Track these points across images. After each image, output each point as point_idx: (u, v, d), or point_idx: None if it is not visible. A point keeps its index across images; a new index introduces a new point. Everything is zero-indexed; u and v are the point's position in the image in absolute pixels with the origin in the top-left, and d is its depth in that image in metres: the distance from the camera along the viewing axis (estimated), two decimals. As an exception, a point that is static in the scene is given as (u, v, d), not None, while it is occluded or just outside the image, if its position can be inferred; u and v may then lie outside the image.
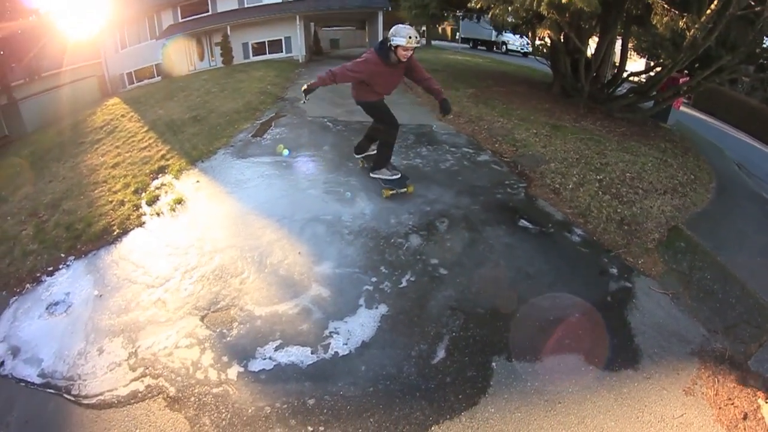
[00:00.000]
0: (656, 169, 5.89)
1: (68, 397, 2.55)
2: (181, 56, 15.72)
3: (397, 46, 3.74)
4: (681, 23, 6.22)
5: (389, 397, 2.33)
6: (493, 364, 2.56)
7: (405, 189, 4.34)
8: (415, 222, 3.74)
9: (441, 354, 2.59)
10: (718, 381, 2.89)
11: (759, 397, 2.86)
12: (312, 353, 2.58)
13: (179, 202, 4.39)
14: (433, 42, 24.87)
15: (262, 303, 2.95)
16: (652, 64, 10.77)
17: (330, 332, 2.70)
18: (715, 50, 7.81)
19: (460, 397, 2.37)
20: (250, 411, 2.26)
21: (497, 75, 12.42)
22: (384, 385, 2.39)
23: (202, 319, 2.88)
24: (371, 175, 4.43)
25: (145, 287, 3.25)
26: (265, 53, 16.04)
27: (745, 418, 2.74)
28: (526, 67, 14.08)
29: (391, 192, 4.29)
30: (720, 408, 2.74)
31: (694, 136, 9.12)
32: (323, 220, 3.77)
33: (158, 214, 4.27)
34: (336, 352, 2.57)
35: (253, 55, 15.86)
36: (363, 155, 4.90)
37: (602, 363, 2.73)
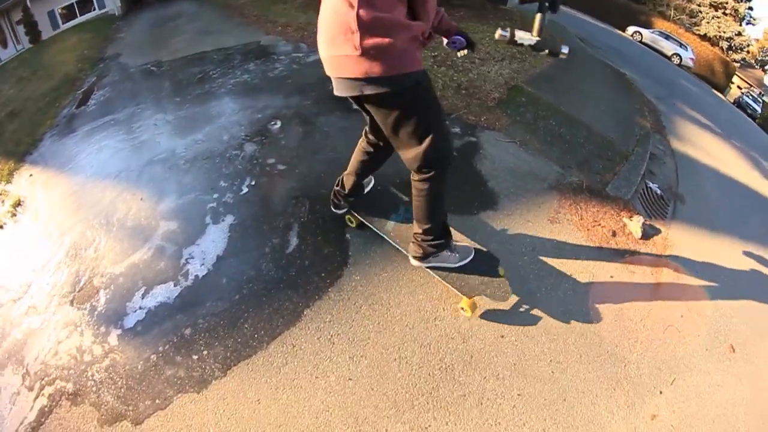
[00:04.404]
0: (494, 42, 6.00)
1: (-11, 453, 2.30)
2: (-19, 49, 13.36)
3: None
4: None
5: (256, 298, 2.35)
6: (347, 235, 2.64)
7: (499, 275, 2.29)
8: (247, 132, 3.64)
9: (294, 241, 2.62)
10: (580, 208, 3.21)
11: (623, 216, 3.24)
12: (175, 286, 2.51)
13: (18, 204, 3.94)
14: None
15: (118, 261, 2.79)
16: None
17: (186, 260, 2.63)
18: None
19: (323, 275, 2.42)
20: (139, 367, 2.19)
21: None
22: (248, 289, 2.39)
23: (72, 303, 2.67)
24: (422, 264, 2.24)
25: (12, 303, 2.93)
26: (77, 16, 13.56)
27: (614, 235, 3.07)
28: None
29: (471, 305, 2.23)
30: (588, 230, 3.04)
31: (533, 13, 9.53)
32: (158, 160, 3.55)
33: (1, 227, 3.82)
34: (196, 276, 2.53)
35: (63, 23, 13.54)
36: (348, 204, 2.59)
37: (459, 209, 2.88)
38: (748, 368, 2.62)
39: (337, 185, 2.51)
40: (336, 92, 1.78)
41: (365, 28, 1.53)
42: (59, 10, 13.57)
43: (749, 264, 3.56)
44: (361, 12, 1.52)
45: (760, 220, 4.84)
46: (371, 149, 2.28)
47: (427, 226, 2.10)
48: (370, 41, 1.55)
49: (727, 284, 3.14)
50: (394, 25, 1.57)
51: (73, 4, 13.69)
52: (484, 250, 2.37)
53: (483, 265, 2.29)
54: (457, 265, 2.24)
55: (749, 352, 2.73)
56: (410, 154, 1.89)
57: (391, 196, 2.71)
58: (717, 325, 2.82)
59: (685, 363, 2.47)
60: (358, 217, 2.58)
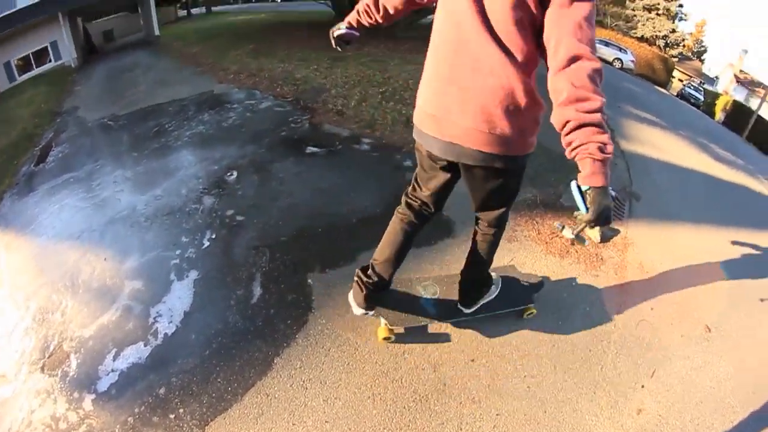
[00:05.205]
0: None
1: None
2: (-67, 107, 12.44)
3: None
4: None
5: (226, 351, 2.25)
6: (309, 280, 2.56)
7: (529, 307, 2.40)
8: (205, 184, 3.55)
9: (258, 291, 2.55)
10: (537, 222, 3.18)
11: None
12: (145, 345, 2.38)
13: (-21, 267, 3.70)
14: (213, 9, 22.64)
15: (87, 323, 2.63)
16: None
17: (154, 318, 2.51)
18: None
19: (289, 322, 2.35)
20: (117, 431, 2.05)
21: (278, 26, 11.84)
22: (218, 343, 2.29)
23: (42, 369, 2.47)
24: (467, 311, 2.21)
25: (-20, 374, 2.72)
26: (33, 68, 12.87)
27: (573, 244, 2.96)
28: (312, 12, 13.51)
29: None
30: (546, 243, 2.99)
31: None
32: (120, 218, 3.41)
33: (-37, 294, 3.57)
34: (165, 334, 2.41)
35: (20, 74, 12.73)
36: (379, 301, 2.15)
37: (416, 243, 2.62)
38: (726, 344, 2.63)
39: (368, 278, 2.01)
40: (443, 155, 1.62)
41: (529, 109, 1.43)
42: (15, 62, 12.81)
43: (710, 245, 3.58)
44: (531, 94, 1.41)
45: (715, 200, 4.89)
46: (417, 221, 1.97)
47: (483, 268, 2.09)
48: (526, 124, 1.46)
49: (691, 269, 3.16)
50: (541, 106, 1.48)
51: (29, 55, 12.97)
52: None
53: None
54: (492, 296, 2.26)
55: (725, 329, 2.73)
56: (492, 213, 1.86)
57: (409, 285, 2.40)
58: (688, 309, 2.80)
59: (663, 353, 2.45)
60: (392, 328, 2.19)
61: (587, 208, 1.32)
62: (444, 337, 2.29)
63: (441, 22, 1.54)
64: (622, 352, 2.38)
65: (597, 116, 1.23)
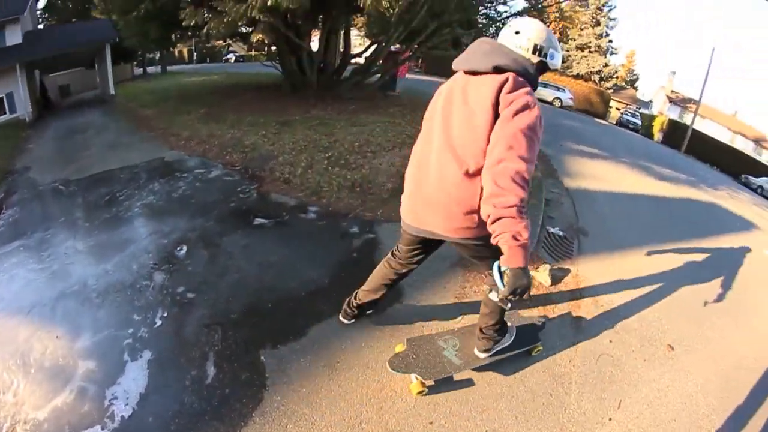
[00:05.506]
0: (384, 131, 5.99)
1: None
2: None
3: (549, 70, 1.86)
4: (384, 3, 6.34)
5: None
6: (262, 358, 2.46)
7: (536, 345, 2.48)
8: (155, 260, 3.43)
9: (212, 371, 2.45)
10: (486, 277, 2.94)
11: (531, 270, 3.05)
12: (103, 429, 2.23)
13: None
14: (168, 68, 22.10)
15: (41, 405, 2.43)
16: (369, 42, 10.93)
17: (110, 401, 2.37)
18: (424, 20, 8.23)
19: (245, 401, 2.23)
20: None
21: (229, 89, 11.64)
22: (175, 425, 2.16)
23: None
24: (483, 355, 2.27)
25: (-72, 460, 2.38)
26: None
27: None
28: (262, 74, 13.37)
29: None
30: None
31: (424, 95, 9.39)
32: (71, 293, 3.24)
33: None
34: (122, 417, 2.27)
35: None
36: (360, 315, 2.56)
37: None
38: (691, 358, 2.54)
39: (355, 298, 2.46)
40: (427, 235, 1.94)
41: (482, 211, 1.64)
42: (-32, 112, 11.74)
43: (662, 264, 3.53)
44: (482, 204, 1.62)
45: (662, 219, 4.87)
46: (395, 276, 2.33)
47: (497, 318, 2.18)
48: (482, 219, 1.65)
49: (645, 292, 3.09)
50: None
51: (-16, 104, 12.00)
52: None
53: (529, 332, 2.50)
54: (510, 342, 2.33)
55: (687, 343, 2.65)
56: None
57: (431, 342, 2.41)
58: (648, 333, 2.69)
59: (627, 382, 2.34)
60: (425, 382, 2.18)
61: (504, 285, 1.51)
62: (400, 402, 2.16)
63: (421, 136, 1.95)
64: (584, 390, 2.27)
65: (512, 210, 1.44)
